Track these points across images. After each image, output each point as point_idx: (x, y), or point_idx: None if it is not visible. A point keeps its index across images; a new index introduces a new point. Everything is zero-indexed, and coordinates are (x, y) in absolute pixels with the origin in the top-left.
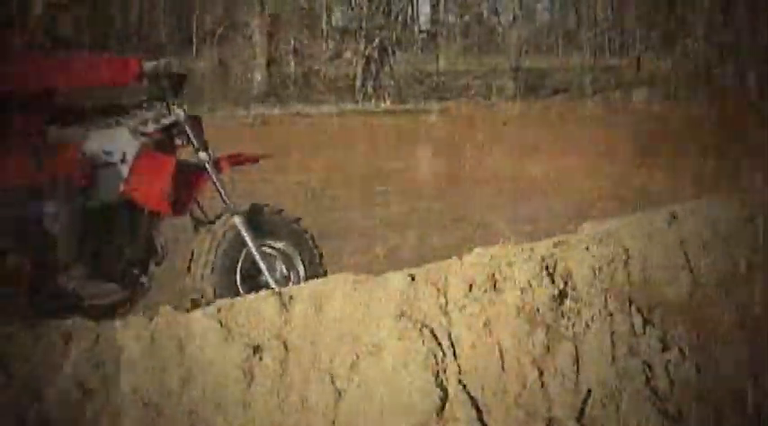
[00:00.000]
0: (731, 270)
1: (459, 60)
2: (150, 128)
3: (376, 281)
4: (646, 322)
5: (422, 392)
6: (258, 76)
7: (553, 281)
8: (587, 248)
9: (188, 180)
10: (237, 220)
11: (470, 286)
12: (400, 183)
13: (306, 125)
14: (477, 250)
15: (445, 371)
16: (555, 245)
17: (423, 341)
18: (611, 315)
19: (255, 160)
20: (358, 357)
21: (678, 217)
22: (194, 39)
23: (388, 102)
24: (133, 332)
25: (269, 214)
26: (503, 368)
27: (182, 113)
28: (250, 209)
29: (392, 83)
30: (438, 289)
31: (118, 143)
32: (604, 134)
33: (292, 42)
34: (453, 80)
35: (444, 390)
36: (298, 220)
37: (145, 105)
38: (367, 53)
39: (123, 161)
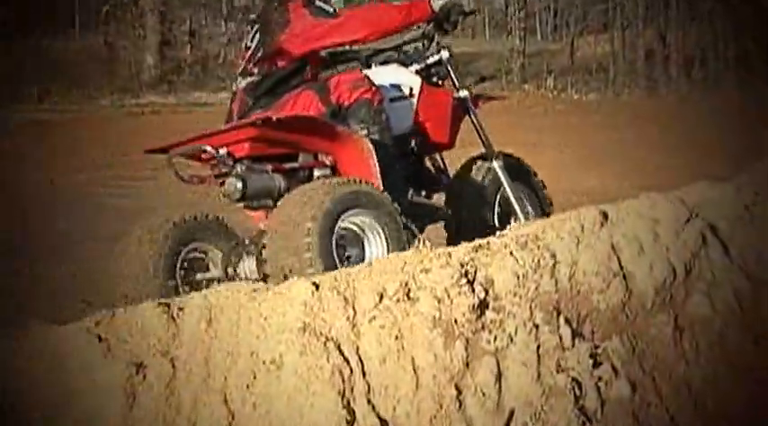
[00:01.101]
0: (670, 277)
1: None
2: (418, 65)
3: (275, 290)
4: (575, 334)
5: (326, 413)
6: (149, 60)
7: (473, 290)
8: (511, 253)
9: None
10: (497, 164)
11: (381, 295)
12: None
13: (204, 115)
14: (390, 256)
15: (352, 390)
16: (475, 250)
17: (327, 357)
18: (536, 326)
19: (503, 98)
20: (255, 375)
21: (610, 217)
22: (77, 18)
23: None
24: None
25: (514, 161)
26: (417, 386)
27: (446, 52)
28: (503, 154)
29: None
30: (345, 299)
31: (402, 78)
32: (536, 126)
33: (188, 22)
34: None
35: (351, 411)
36: (534, 172)
37: (408, 44)
38: None
39: (411, 95)
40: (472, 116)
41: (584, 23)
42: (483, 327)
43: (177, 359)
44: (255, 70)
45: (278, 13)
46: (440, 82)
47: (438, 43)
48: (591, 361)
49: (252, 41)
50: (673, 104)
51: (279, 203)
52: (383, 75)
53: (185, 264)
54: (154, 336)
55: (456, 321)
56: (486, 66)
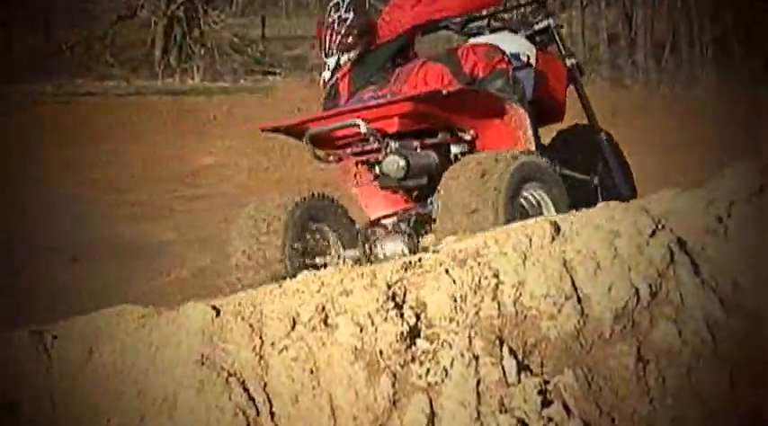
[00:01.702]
0: (632, 300)
1: (291, 21)
2: (526, 32)
3: (169, 316)
4: (521, 367)
5: None
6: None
7: (401, 315)
8: (446, 271)
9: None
10: (604, 136)
11: (293, 321)
12: (213, 185)
13: (88, 108)
14: (304, 275)
15: None
16: (404, 268)
17: (229, 395)
18: (476, 358)
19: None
20: (143, 416)
21: (563, 230)
22: None
23: (197, 79)
24: None
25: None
26: None
27: (552, 20)
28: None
29: (203, 53)
30: (251, 326)
31: (519, 46)
32: None
33: None
34: (283, 49)
35: None
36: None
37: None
38: (170, 12)
39: (528, 64)
40: (578, 86)
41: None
42: (413, 359)
43: (54, 397)
44: (357, 45)
45: None
46: (543, 48)
47: (546, 8)
48: (539, 399)
49: (348, 14)
50: (639, 97)
51: (447, 177)
52: (501, 43)
53: (306, 247)
54: (23, 368)
55: (381, 352)
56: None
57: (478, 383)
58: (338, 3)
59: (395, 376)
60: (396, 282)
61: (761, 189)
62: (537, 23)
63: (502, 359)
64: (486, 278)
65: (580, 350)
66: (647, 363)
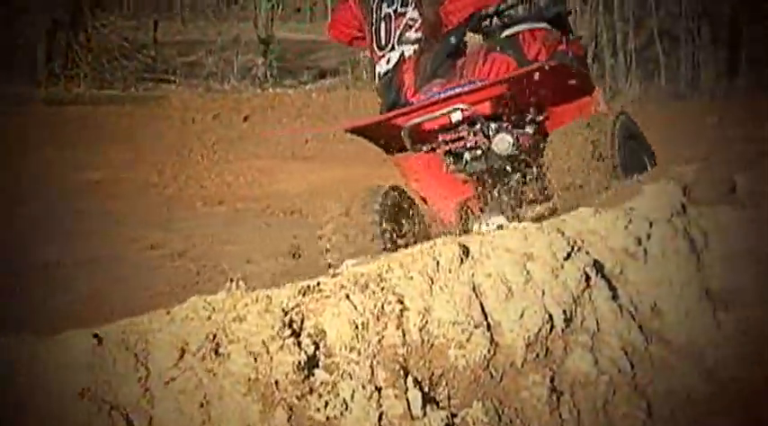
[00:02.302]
0: (545, 327)
1: (187, 26)
2: (543, 21)
3: (48, 344)
4: (426, 399)
5: None
6: None
7: (299, 343)
8: (347, 296)
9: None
10: (623, 117)
11: (182, 350)
12: (97, 202)
13: None
14: (193, 300)
15: None
16: (302, 293)
17: None
18: (378, 390)
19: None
20: None
21: (472, 252)
22: None
23: (82, 87)
24: None
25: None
26: None
27: (563, 7)
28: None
29: (89, 58)
30: (136, 356)
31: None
32: None
33: None
34: (178, 55)
35: None
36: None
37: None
38: (54, 16)
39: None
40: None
41: None
42: (311, 391)
43: None
44: (420, 38)
45: None
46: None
47: None
48: None
49: (406, 7)
50: None
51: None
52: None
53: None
54: None
55: (277, 383)
56: (327, 57)
57: (381, 416)
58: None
59: (291, 409)
60: (293, 308)
61: (683, 208)
62: (548, 11)
63: (406, 390)
64: (389, 303)
65: (490, 381)
66: (561, 394)
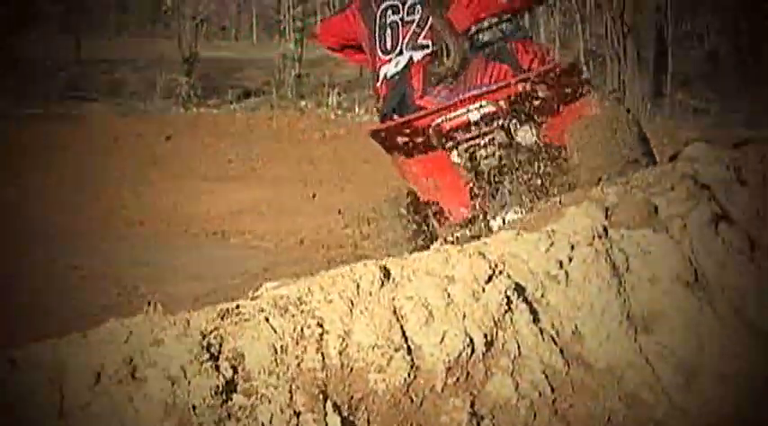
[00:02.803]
0: (466, 350)
1: (110, 45)
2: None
3: None
4: (346, 424)
5: None
6: None
7: (217, 367)
8: (266, 319)
9: None
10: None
11: (98, 374)
12: (14, 221)
13: None
14: (110, 323)
15: None
16: (220, 316)
17: None
18: (297, 414)
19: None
20: None
21: (393, 275)
22: None
23: (2, 104)
24: None
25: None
26: None
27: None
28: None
29: (13, 76)
30: (50, 379)
31: None
32: (310, 155)
33: None
34: (101, 73)
35: None
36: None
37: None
38: None
39: None
40: None
41: None
42: (229, 416)
43: None
44: (428, 44)
45: None
46: None
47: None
48: None
49: (412, 15)
50: None
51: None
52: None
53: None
54: None
55: (194, 408)
56: (252, 76)
57: None
58: (396, 6)
59: None
60: (211, 331)
61: (604, 231)
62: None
63: (326, 415)
64: (309, 327)
65: (410, 405)
66: (482, 419)
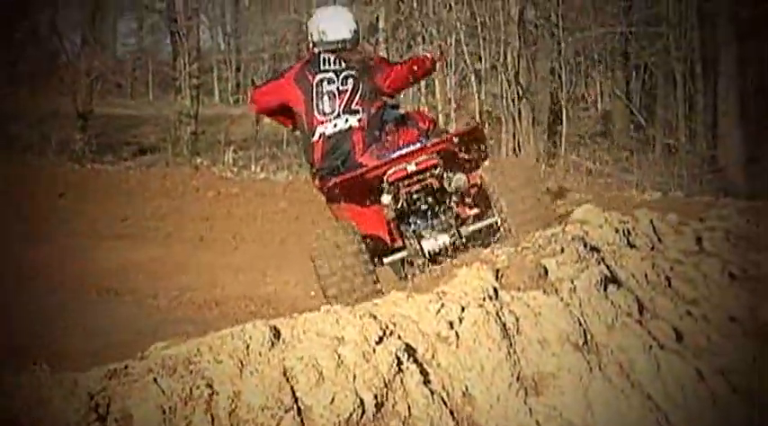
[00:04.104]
0: (357, 412)
1: (4, 98)
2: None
3: None
4: None
5: None
6: None
7: None
8: (155, 380)
9: None
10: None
11: None
12: None
13: None
14: None
15: None
16: (108, 377)
17: None
18: None
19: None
20: None
21: (283, 335)
22: None
23: None
24: None
25: None
26: None
27: None
28: None
29: None
30: None
31: None
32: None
33: None
34: None
35: None
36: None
37: None
38: None
39: None
40: None
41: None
42: None
43: None
44: (362, 110)
45: (369, 63)
46: None
47: None
48: None
49: (346, 85)
50: None
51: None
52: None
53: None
54: None
55: None
56: (148, 133)
57: None
58: (331, 78)
59: None
60: (99, 391)
61: (495, 292)
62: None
63: None
64: (198, 387)
65: None
66: None
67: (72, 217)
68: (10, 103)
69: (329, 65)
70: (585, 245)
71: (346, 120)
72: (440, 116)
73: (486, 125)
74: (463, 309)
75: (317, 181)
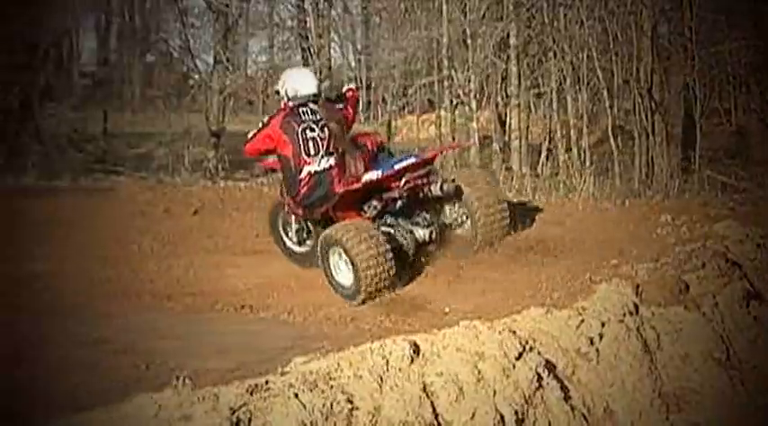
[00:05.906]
0: (496, 425)
1: (137, 118)
2: None
3: None
4: None
5: None
6: None
7: None
8: (296, 395)
9: None
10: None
11: None
12: (38, 295)
13: None
14: (138, 397)
15: None
16: (250, 391)
17: None
18: None
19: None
20: None
21: (423, 351)
22: None
23: (29, 177)
24: None
25: None
26: None
27: None
28: None
29: (37, 148)
30: None
31: None
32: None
33: None
34: (127, 146)
35: None
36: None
37: None
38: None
39: None
40: None
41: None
42: None
43: None
44: (338, 150)
45: (337, 114)
46: None
47: None
48: None
49: (324, 133)
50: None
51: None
52: None
53: None
54: None
55: None
56: None
57: None
58: (312, 126)
59: None
60: (240, 407)
61: (635, 308)
62: None
63: None
64: (338, 403)
65: None
66: None
67: (206, 235)
68: (144, 123)
69: (308, 116)
70: (727, 260)
71: (327, 160)
72: (572, 131)
73: (618, 140)
74: (603, 325)
75: (299, 210)
